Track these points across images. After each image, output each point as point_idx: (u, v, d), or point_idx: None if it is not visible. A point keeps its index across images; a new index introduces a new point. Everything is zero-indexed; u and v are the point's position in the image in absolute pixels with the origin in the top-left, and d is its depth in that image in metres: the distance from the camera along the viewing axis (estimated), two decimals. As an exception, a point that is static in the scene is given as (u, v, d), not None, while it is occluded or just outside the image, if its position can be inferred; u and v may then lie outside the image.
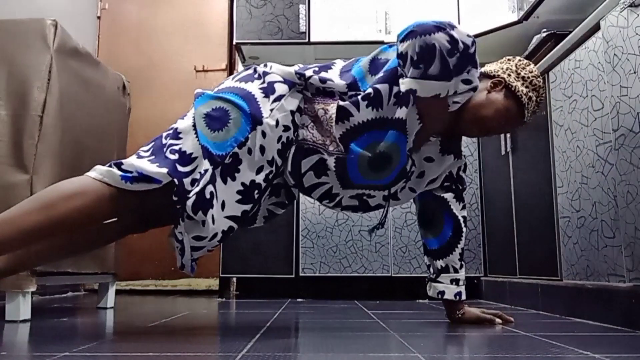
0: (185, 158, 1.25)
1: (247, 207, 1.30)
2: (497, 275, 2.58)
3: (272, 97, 1.34)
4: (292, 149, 1.37)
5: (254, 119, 1.29)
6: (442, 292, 1.60)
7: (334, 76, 1.40)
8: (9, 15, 2.32)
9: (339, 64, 1.47)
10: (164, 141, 1.29)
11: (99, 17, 3.84)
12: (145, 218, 1.52)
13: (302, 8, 3.40)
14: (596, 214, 1.66)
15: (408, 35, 1.27)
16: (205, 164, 1.24)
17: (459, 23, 3.36)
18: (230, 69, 3.77)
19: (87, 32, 3.68)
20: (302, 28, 3.38)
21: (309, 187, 1.41)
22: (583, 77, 1.76)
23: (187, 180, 1.22)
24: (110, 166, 1.25)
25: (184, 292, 3.32)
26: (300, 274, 2.78)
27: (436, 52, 1.24)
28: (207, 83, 3.73)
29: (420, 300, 2.64)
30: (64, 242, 1.42)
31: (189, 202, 1.21)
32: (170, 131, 1.31)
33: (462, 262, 1.61)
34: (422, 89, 1.28)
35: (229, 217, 1.28)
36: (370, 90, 1.34)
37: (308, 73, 1.38)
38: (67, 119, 1.79)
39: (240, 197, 1.29)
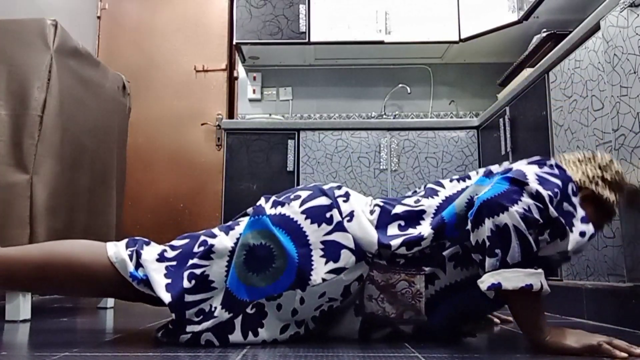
0: (203, 284, 1.15)
1: None
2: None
3: (330, 265, 1.13)
4: (358, 323, 1.20)
5: (299, 278, 1.12)
6: None
7: (425, 229, 1.16)
8: (9, 15, 2.32)
9: (432, 206, 1.21)
10: (195, 249, 1.19)
11: (99, 17, 3.84)
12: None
13: (302, 8, 3.40)
14: (596, 214, 1.66)
15: (477, 217, 1.06)
16: (219, 307, 1.13)
17: (459, 23, 3.36)
18: (230, 69, 3.77)
19: (87, 32, 3.68)
20: (302, 28, 3.38)
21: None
22: (583, 77, 1.76)
23: (190, 312, 1.13)
24: (131, 254, 1.19)
25: (184, 292, 3.32)
26: (300, 274, 2.77)
27: (511, 235, 1.02)
28: (207, 83, 3.73)
29: (420, 300, 2.63)
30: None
31: (182, 338, 1.14)
32: (208, 242, 1.18)
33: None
34: (506, 281, 1.02)
35: None
36: (457, 249, 1.15)
37: (395, 242, 1.14)
38: (67, 119, 1.79)
39: None
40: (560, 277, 1.89)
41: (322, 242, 1.15)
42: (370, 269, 1.17)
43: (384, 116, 3.66)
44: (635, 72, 1.46)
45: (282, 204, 1.21)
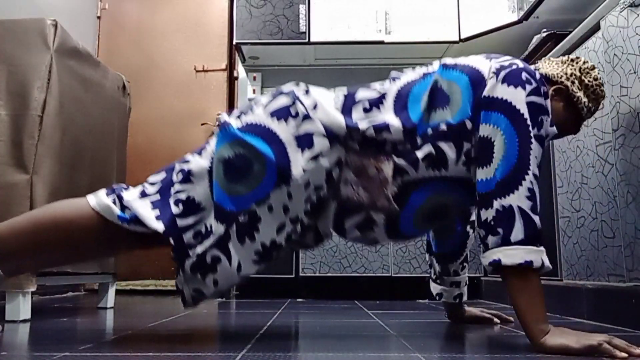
0: (192, 207, 1.15)
1: (263, 265, 1.19)
2: (497, 275, 2.58)
3: (307, 154, 1.14)
4: (333, 207, 1.20)
5: (280, 175, 1.12)
6: (440, 295, 1.60)
7: (389, 117, 1.19)
8: (9, 15, 2.32)
9: (392, 91, 1.24)
10: (174, 178, 1.19)
11: (99, 17, 3.84)
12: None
13: (302, 8, 3.40)
14: (596, 214, 1.66)
15: (486, 199, 1.11)
16: (214, 222, 1.13)
17: (459, 23, 3.36)
18: (230, 69, 3.77)
19: (87, 32, 3.68)
20: (302, 28, 3.38)
21: (350, 238, 1.29)
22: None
23: (188, 235, 1.14)
24: (114, 199, 1.18)
25: (184, 292, 3.32)
26: (300, 274, 2.78)
27: (515, 215, 1.07)
28: (207, 83, 3.73)
29: (420, 300, 2.64)
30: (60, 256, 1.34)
31: (187, 263, 1.14)
32: (184, 167, 1.19)
33: (466, 264, 1.60)
34: (506, 257, 1.07)
35: (241, 275, 1.17)
36: (431, 149, 1.17)
37: (362, 125, 1.17)
38: (67, 119, 1.79)
39: (257, 257, 1.16)
40: (560, 277, 1.89)
41: (295, 137, 1.15)
42: (345, 151, 1.17)
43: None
44: (635, 72, 1.46)
45: (246, 113, 1.21)
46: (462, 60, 1.23)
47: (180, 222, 1.14)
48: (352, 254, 2.79)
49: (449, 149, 1.17)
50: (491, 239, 1.09)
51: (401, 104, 1.21)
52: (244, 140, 1.14)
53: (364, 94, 1.24)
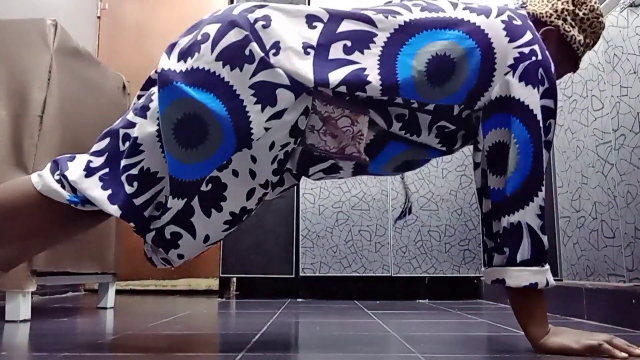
0: (147, 180, 1.02)
1: (233, 229, 1.07)
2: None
3: (269, 110, 0.97)
4: (297, 153, 1.08)
5: (240, 139, 0.98)
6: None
7: (371, 72, 1.00)
8: (9, 15, 2.32)
9: (386, 31, 1.03)
10: (121, 147, 1.04)
11: (99, 17, 3.84)
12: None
13: (302, 8, 3.39)
14: (596, 214, 1.66)
15: (495, 212, 1.05)
16: (169, 198, 1.01)
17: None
18: (230, 69, 3.77)
19: (87, 32, 3.68)
20: (302, 28, 3.38)
21: (313, 179, 1.17)
22: (583, 77, 1.76)
23: (148, 211, 1.03)
24: (60, 180, 1.04)
25: (184, 292, 3.32)
26: (300, 274, 2.78)
27: (523, 232, 1.02)
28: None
29: (420, 300, 2.64)
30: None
31: (149, 237, 1.04)
32: (130, 134, 1.04)
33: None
34: (510, 279, 1.02)
35: (209, 244, 1.06)
36: (405, 111, 1.05)
37: (334, 78, 0.99)
38: (67, 119, 1.79)
39: (227, 226, 1.04)
40: (560, 277, 1.89)
41: (251, 87, 0.97)
42: (313, 98, 1.01)
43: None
44: (635, 72, 1.46)
45: (191, 54, 1.01)
46: (483, 23, 1.05)
47: (137, 201, 1.01)
48: (352, 254, 2.79)
49: (423, 120, 1.06)
50: (497, 257, 1.04)
51: (391, 52, 1.02)
52: (192, 98, 0.96)
53: (349, 25, 1.04)
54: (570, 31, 1.15)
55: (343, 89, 1.00)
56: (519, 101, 1.03)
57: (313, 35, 1.02)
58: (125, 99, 2.28)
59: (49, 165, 1.09)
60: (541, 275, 1.02)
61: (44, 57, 1.72)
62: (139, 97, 1.13)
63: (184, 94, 0.97)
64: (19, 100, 1.68)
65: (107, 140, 1.06)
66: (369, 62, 1.01)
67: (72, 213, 1.06)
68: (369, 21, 1.04)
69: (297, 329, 1.54)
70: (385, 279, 2.80)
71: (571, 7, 1.15)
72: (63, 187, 1.03)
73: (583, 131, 1.74)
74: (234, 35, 0.99)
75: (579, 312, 1.73)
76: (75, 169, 1.04)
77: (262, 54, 0.97)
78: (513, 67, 1.04)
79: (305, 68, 0.99)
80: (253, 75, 0.97)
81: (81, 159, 1.07)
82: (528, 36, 1.06)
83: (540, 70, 1.05)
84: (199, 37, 1.02)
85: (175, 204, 1.00)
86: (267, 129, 0.98)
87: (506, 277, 1.02)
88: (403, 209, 1.44)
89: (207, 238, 1.04)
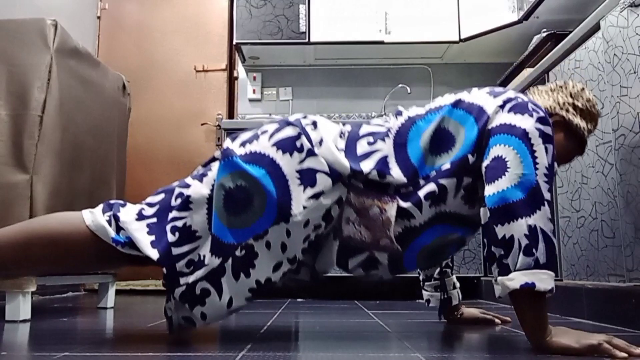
0: (187, 235, 1.14)
1: (254, 300, 1.18)
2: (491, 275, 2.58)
3: (309, 191, 1.13)
4: (335, 246, 1.19)
5: (280, 212, 1.11)
6: (429, 300, 1.63)
7: (392, 162, 1.18)
8: (9, 15, 2.32)
9: (395, 125, 1.23)
10: (172, 202, 1.18)
11: (99, 17, 3.84)
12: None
13: (302, 8, 3.40)
14: (596, 214, 1.66)
15: (506, 213, 1.04)
16: (208, 254, 1.12)
17: (459, 23, 3.36)
18: (230, 69, 3.77)
19: (87, 32, 3.68)
20: (302, 28, 3.38)
21: (354, 275, 1.26)
22: (583, 77, 1.76)
23: (180, 264, 1.13)
24: (109, 218, 1.17)
25: (184, 292, 3.32)
26: (300, 274, 2.78)
27: (539, 236, 1.03)
28: (207, 83, 3.73)
29: (420, 300, 2.63)
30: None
31: (178, 291, 1.13)
32: (184, 192, 1.18)
33: (448, 270, 1.60)
34: (540, 282, 1.01)
35: (230, 310, 1.15)
36: (434, 187, 1.15)
37: (366, 167, 1.16)
38: (67, 119, 1.79)
39: (250, 294, 1.14)
40: (560, 277, 1.89)
41: (297, 172, 1.14)
42: (347, 191, 1.16)
43: (384, 116, 3.66)
44: (635, 72, 1.46)
45: (250, 141, 1.19)
46: (467, 98, 1.21)
47: (175, 251, 1.13)
48: (352, 254, 2.79)
49: (449, 183, 1.16)
50: (523, 259, 1.02)
51: (400, 142, 1.20)
52: (246, 172, 1.13)
53: (368, 128, 1.25)
54: (574, 120, 1.27)
55: (374, 175, 1.16)
56: (511, 124, 1.11)
57: (344, 136, 1.24)
58: (125, 99, 2.28)
59: (101, 205, 1.22)
60: (553, 281, 1.03)
61: (44, 57, 1.72)
62: (198, 170, 1.28)
63: (241, 168, 1.14)
64: (19, 100, 1.68)
65: (162, 195, 1.21)
66: (389, 151, 1.19)
67: (110, 252, 1.17)
68: (382, 124, 1.26)
69: (297, 329, 1.54)
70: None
71: (570, 100, 1.29)
72: (111, 226, 1.16)
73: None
74: (289, 131, 1.18)
75: (579, 312, 1.73)
76: (127, 213, 1.18)
77: (310, 146, 1.16)
78: (502, 106, 1.15)
79: (343, 160, 1.16)
80: (301, 162, 1.15)
81: (134, 207, 1.21)
82: (511, 93, 1.19)
83: (530, 104, 1.15)
84: (259, 132, 1.21)
85: (213, 262, 1.12)
86: (304, 207, 1.12)
87: (536, 280, 1.00)
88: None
89: (230, 302, 1.13)
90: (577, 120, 1.28)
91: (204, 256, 1.13)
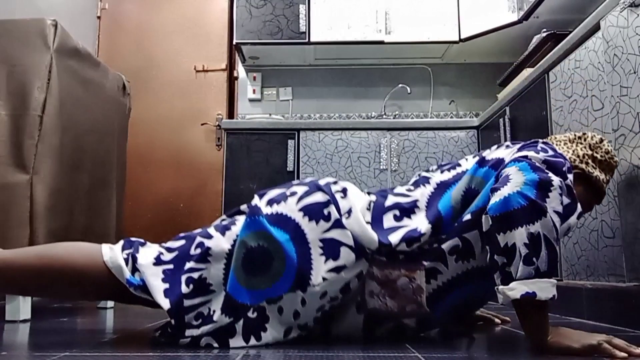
0: (201, 288, 1.13)
1: None
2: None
3: (330, 264, 1.11)
4: (361, 319, 1.18)
5: (298, 280, 1.10)
6: None
7: (421, 224, 1.16)
8: (9, 15, 2.32)
9: (424, 196, 1.21)
10: (192, 251, 1.16)
11: (99, 17, 3.84)
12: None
13: (302, 8, 3.40)
14: (596, 214, 1.66)
15: (506, 221, 1.02)
16: (218, 311, 1.11)
17: (459, 23, 3.36)
18: (230, 69, 3.77)
19: (87, 32, 3.68)
20: (302, 28, 3.38)
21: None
22: (583, 77, 1.76)
23: (189, 316, 1.12)
24: (127, 258, 1.17)
25: (184, 292, 3.32)
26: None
27: (542, 244, 1.01)
28: (207, 83, 3.73)
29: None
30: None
31: (181, 342, 1.12)
32: (205, 243, 1.16)
33: None
34: (540, 291, 1.00)
35: None
36: (457, 241, 1.14)
37: (394, 240, 1.14)
38: (67, 119, 1.79)
39: None
40: (560, 277, 1.89)
41: (321, 240, 1.13)
42: (370, 264, 1.15)
43: (384, 116, 3.66)
44: (635, 72, 1.46)
45: (278, 202, 1.19)
46: (493, 155, 1.22)
47: (187, 302, 1.12)
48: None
49: (472, 236, 1.14)
50: (523, 269, 1.00)
51: (434, 212, 1.18)
52: (270, 234, 1.12)
53: (394, 199, 1.22)
54: (593, 172, 1.28)
55: (403, 246, 1.14)
56: (521, 155, 1.12)
57: (368, 216, 1.21)
58: (125, 99, 2.28)
59: (121, 242, 1.22)
60: (555, 288, 1.02)
61: (44, 57, 1.72)
62: (223, 220, 1.28)
63: (265, 229, 1.13)
64: (19, 100, 1.68)
65: (182, 242, 1.20)
66: (420, 221, 1.17)
67: (122, 291, 1.17)
68: (407, 195, 1.23)
69: (297, 329, 1.54)
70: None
71: (590, 152, 1.29)
72: (127, 266, 1.17)
73: (583, 131, 1.74)
74: (318, 197, 1.17)
75: (579, 312, 1.73)
76: (145, 256, 1.18)
77: (338, 216, 1.15)
78: (516, 151, 1.17)
79: (371, 233, 1.14)
80: (326, 231, 1.14)
81: (153, 248, 1.20)
82: (533, 145, 1.18)
83: (540, 144, 1.16)
84: (288, 193, 1.21)
85: (222, 320, 1.11)
86: (324, 279, 1.11)
87: (537, 289, 0.99)
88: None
89: None
90: (597, 173, 1.28)
91: (214, 311, 1.12)
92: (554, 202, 1.04)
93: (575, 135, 1.33)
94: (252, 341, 1.11)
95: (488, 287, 1.16)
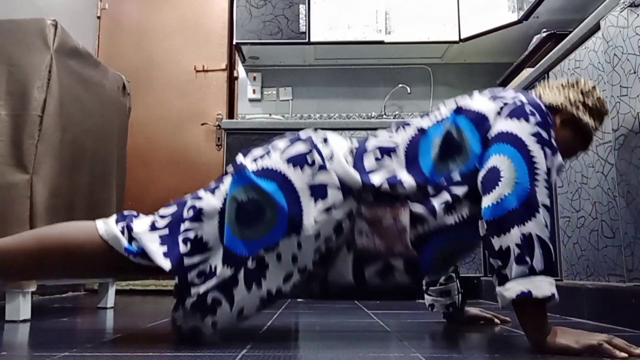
0: (199, 246, 1.15)
1: (265, 308, 1.19)
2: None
3: (320, 204, 1.15)
4: (350, 258, 1.20)
5: (291, 225, 1.13)
6: (432, 305, 1.62)
7: (402, 173, 1.19)
8: (9, 15, 2.32)
9: (403, 140, 1.24)
10: (184, 214, 1.19)
11: (99, 17, 3.84)
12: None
13: (302, 8, 3.40)
14: (596, 214, 1.66)
15: (501, 223, 1.05)
16: (219, 265, 1.13)
17: (459, 23, 3.36)
18: (230, 69, 3.77)
19: (87, 32, 3.68)
20: (302, 28, 3.38)
21: (372, 286, 1.26)
22: (583, 77, 1.76)
23: (192, 274, 1.14)
24: (123, 228, 1.19)
25: (184, 292, 3.32)
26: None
27: (535, 243, 1.03)
28: (207, 83, 3.73)
29: (420, 300, 2.63)
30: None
31: (189, 301, 1.14)
32: (196, 205, 1.18)
33: (453, 275, 1.59)
34: (536, 289, 1.01)
35: (242, 318, 1.17)
36: (447, 197, 1.17)
37: (376, 180, 1.17)
38: (67, 119, 1.79)
39: (261, 304, 1.16)
40: (560, 277, 1.89)
41: (309, 186, 1.16)
42: (358, 204, 1.18)
43: (384, 116, 3.66)
44: (635, 72, 1.46)
45: (262, 157, 1.21)
46: (469, 103, 1.22)
47: (187, 261, 1.14)
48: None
49: (462, 192, 1.16)
50: (517, 268, 1.03)
51: (412, 155, 1.21)
52: (258, 186, 1.15)
53: (374, 142, 1.25)
54: (584, 117, 1.28)
55: (386, 186, 1.17)
56: (507, 132, 1.13)
57: (352, 150, 1.26)
58: (125, 99, 2.28)
59: (114, 215, 1.24)
60: (554, 286, 1.02)
61: (44, 57, 1.72)
62: (212, 184, 1.29)
63: (253, 182, 1.16)
64: (19, 100, 1.68)
65: (174, 207, 1.23)
66: (399, 170, 1.20)
67: (122, 262, 1.18)
68: (388, 139, 1.25)
69: (297, 328, 1.54)
70: (385, 279, 2.80)
71: (581, 97, 1.29)
72: (123, 236, 1.18)
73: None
74: (300, 147, 1.20)
75: (579, 312, 1.73)
76: (140, 224, 1.20)
77: (321, 161, 1.18)
78: (499, 112, 1.18)
79: (353, 173, 1.17)
80: (311, 176, 1.17)
81: (147, 218, 1.23)
82: (509, 95, 1.20)
83: (528, 106, 1.16)
84: (270, 148, 1.24)
85: (224, 272, 1.12)
86: (316, 221, 1.14)
87: (532, 288, 1.01)
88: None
89: (241, 311, 1.15)
90: (586, 118, 1.28)
91: (215, 267, 1.14)
92: (542, 190, 1.08)
93: (568, 81, 1.34)
94: (254, 289, 1.13)
95: (476, 233, 1.17)
